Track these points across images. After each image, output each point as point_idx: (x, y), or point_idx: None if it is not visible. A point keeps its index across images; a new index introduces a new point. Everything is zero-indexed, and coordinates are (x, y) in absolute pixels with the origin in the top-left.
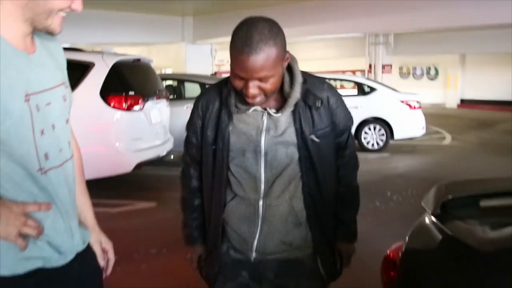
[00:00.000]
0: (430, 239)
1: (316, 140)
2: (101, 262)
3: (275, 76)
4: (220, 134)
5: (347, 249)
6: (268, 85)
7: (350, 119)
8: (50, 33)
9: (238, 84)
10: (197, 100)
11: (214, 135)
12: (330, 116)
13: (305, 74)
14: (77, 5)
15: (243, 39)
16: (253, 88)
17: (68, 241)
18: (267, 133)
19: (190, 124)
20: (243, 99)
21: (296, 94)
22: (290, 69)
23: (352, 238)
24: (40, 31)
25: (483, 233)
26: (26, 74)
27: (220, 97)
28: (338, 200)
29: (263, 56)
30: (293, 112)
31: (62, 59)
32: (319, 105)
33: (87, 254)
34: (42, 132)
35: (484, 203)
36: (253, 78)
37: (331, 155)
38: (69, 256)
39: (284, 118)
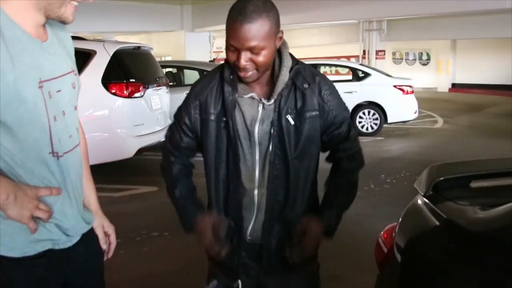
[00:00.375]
0: (423, 220)
1: (291, 121)
2: (103, 245)
3: (267, 49)
4: (228, 111)
5: (317, 235)
6: (260, 58)
7: (345, 109)
8: (62, 21)
9: (232, 56)
10: (194, 85)
11: (220, 112)
12: (320, 104)
13: (297, 60)
14: None
15: (237, 10)
16: (244, 59)
17: (75, 224)
18: (260, 124)
19: (183, 106)
20: (241, 81)
21: (283, 77)
22: (280, 55)
23: (331, 229)
24: (53, 20)
25: (473, 213)
26: (40, 61)
27: (222, 79)
28: (334, 188)
29: (255, 25)
30: (280, 93)
31: (71, 47)
32: (306, 87)
33: (90, 236)
34: (55, 118)
35: (475, 184)
36: (244, 47)
37: (312, 145)
38: (76, 238)
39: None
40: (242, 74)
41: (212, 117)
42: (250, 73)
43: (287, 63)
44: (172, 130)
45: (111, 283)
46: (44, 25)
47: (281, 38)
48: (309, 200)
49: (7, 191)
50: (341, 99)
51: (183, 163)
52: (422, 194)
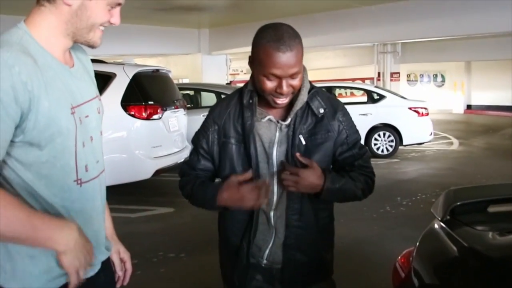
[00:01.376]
0: (440, 245)
1: (303, 141)
2: (119, 272)
3: (301, 72)
4: (246, 136)
5: (316, 177)
6: (297, 82)
7: (357, 131)
8: (90, 46)
9: (271, 85)
10: (212, 109)
11: (239, 136)
12: (333, 125)
13: (313, 85)
14: (116, 19)
15: (275, 39)
16: (286, 86)
17: (98, 253)
18: (278, 146)
19: (200, 131)
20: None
21: (303, 97)
22: None
23: (330, 186)
24: (81, 44)
25: (491, 239)
26: (70, 87)
27: (241, 104)
28: (349, 174)
29: (295, 51)
30: (296, 113)
31: (92, 72)
32: (321, 112)
33: (109, 263)
34: (83, 144)
35: (492, 208)
36: (288, 74)
37: (323, 166)
38: (97, 267)
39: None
40: (281, 100)
41: (232, 141)
42: (288, 98)
43: (307, 84)
44: (191, 154)
45: None
46: (69, 50)
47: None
48: (325, 220)
49: (74, 237)
50: (353, 121)
51: (198, 176)
52: (439, 218)
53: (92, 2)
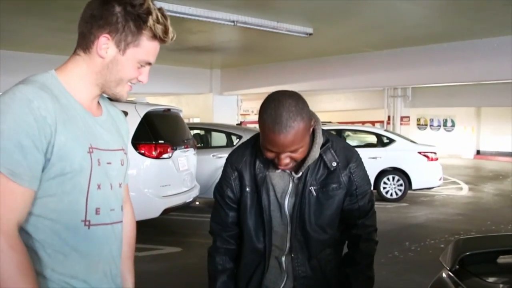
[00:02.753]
0: None
1: (314, 193)
2: None
3: (304, 146)
4: (258, 187)
5: None
6: (298, 155)
7: (368, 183)
8: (117, 99)
9: (270, 155)
10: (229, 157)
11: (254, 185)
12: (344, 176)
13: (330, 136)
14: (144, 78)
15: (272, 117)
16: (285, 160)
17: None
18: (291, 197)
19: (222, 181)
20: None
21: (314, 154)
22: (313, 131)
23: None
24: (108, 96)
25: None
26: (92, 130)
27: (255, 153)
28: (352, 278)
29: (292, 132)
30: (308, 166)
31: (125, 127)
32: (334, 165)
33: None
34: (99, 187)
35: (503, 259)
36: (285, 152)
37: (334, 216)
38: None
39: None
40: (282, 168)
41: (248, 189)
42: (289, 166)
43: (319, 140)
44: (217, 209)
45: None
46: (98, 102)
47: (312, 125)
48: (333, 269)
49: None
50: (366, 172)
51: (229, 252)
52: (448, 268)
53: (123, 58)
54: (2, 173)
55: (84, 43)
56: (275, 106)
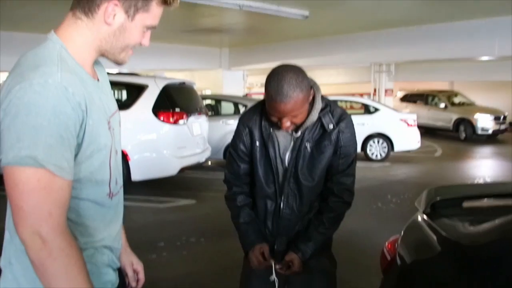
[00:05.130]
0: (421, 233)
1: (309, 149)
2: (133, 283)
3: (303, 112)
4: (265, 142)
5: (297, 267)
6: (298, 119)
7: (354, 148)
8: (118, 64)
9: (274, 119)
10: (242, 116)
11: (261, 140)
12: (335, 135)
13: (330, 102)
14: (146, 41)
15: (275, 89)
16: (286, 123)
17: (117, 260)
18: (290, 153)
19: (235, 137)
20: None
21: (312, 118)
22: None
23: (305, 257)
24: (109, 60)
25: (464, 229)
26: (102, 101)
27: (260, 115)
28: (316, 223)
29: (292, 101)
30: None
31: (109, 86)
32: (330, 128)
33: (120, 271)
34: (113, 158)
35: (467, 204)
36: (286, 116)
37: (321, 172)
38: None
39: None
40: (284, 130)
41: (257, 143)
42: (290, 128)
43: (318, 105)
44: (230, 161)
45: (155, 280)
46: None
47: (312, 93)
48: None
49: None
50: (354, 137)
51: (244, 193)
52: (422, 211)
53: (132, 24)
54: (50, 170)
55: (87, 6)
56: (278, 78)
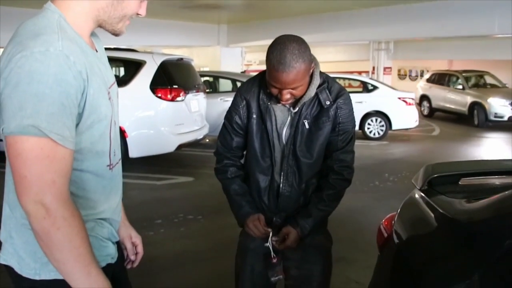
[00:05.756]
0: (418, 210)
1: (306, 125)
2: (132, 256)
3: (304, 84)
4: (263, 115)
5: (294, 240)
6: (298, 92)
7: (352, 124)
8: (115, 34)
9: (274, 91)
10: (239, 88)
11: (259, 114)
12: (333, 112)
13: (328, 78)
14: (143, 11)
15: (277, 58)
16: (286, 95)
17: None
18: (288, 128)
19: (231, 108)
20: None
21: (310, 93)
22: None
23: (304, 234)
24: (106, 31)
25: (460, 205)
26: (101, 70)
27: (259, 87)
28: (316, 199)
29: (294, 72)
30: (303, 102)
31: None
32: (327, 104)
33: (119, 244)
34: (112, 129)
35: (463, 181)
36: (286, 88)
37: (320, 148)
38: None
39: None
40: (284, 102)
41: (254, 116)
42: (290, 101)
43: (316, 81)
44: (223, 133)
45: (153, 257)
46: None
47: (312, 67)
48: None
49: None
50: (352, 114)
51: (236, 165)
52: (418, 188)
53: None
54: (52, 139)
55: None
56: (281, 48)
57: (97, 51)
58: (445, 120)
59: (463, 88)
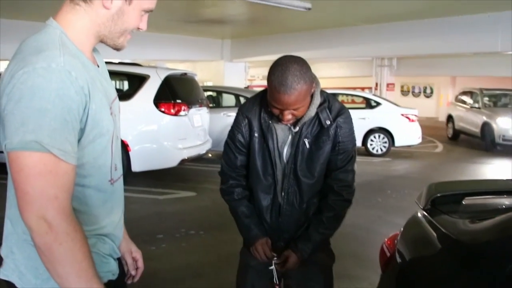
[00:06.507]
0: (421, 230)
1: (307, 145)
2: (132, 271)
3: (305, 105)
4: (264, 134)
5: (294, 263)
6: (299, 112)
7: (352, 144)
8: (117, 49)
9: (275, 111)
10: (241, 106)
11: (260, 132)
12: (333, 130)
13: (329, 97)
14: (144, 25)
15: (279, 79)
16: (287, 115)
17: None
18: (288, 147)
19: (234, 127)
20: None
21: (310, 113)
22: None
23: (304, 257)
24: (108, 46)
25: (463, 226)
26: (103, 86)
27: (260, 105)
28: (315, 222)
29: (296, 93)
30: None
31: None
32: (328, 123)
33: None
34: (114, 143)
35: (467, 201)
36: (288, 109)
37: (320, 168)
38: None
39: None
40: (284, 122)
41: (256, 134)
42: (291, 121)
43: (316, 101)
44: (227, 152)
45: (154, 271)
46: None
47: (314, 87)
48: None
49: None
50: (352, 133)
51: (241, 185)
52: (421, 207)
53: (130, 8)
54: (55, 155)
55: None
56: (282, 69)
57: (98, 66)
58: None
59: (479, 107)
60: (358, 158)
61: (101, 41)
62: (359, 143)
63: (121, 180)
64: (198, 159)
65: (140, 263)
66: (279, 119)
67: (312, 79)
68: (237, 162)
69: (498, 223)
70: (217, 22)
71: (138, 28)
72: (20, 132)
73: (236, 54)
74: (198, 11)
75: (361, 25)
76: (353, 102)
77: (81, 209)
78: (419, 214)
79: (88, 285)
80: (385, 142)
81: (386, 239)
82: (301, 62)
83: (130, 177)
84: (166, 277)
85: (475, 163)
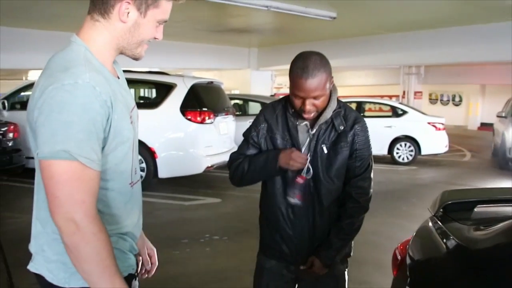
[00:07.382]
0: (431, 236)
1: (325, 150)
2: (147, 266)
3: (325, 95)
4: (292, 134)
5: (319, 270)
6: (320, 102)
7: (369, 151)
8: (135, 59)
9: (297, 102)
10: (263, 109)
11: (284, 132)
12: (350, 138)
13: (346, 106)
14: (160, 35)
15: (301, 67)
16: (309, 105)
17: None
18: (305, 149)
19: (252, 126)
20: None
21: (326, 115)
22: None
23: (328, 264)
24: (127, 56)
25: (471, 233)
26: (124, 96)
27: (285, 110)
28: (336, 229)
29: (316, 79)
30: (320, 126)
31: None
32: (341, 129)
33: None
34: (134, 149)
35: (479, 208)
36: (309, 97)
37: (341, 171)
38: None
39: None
40: (306, 116)
41: (278, 136)
42: (312, 114)
43: (333, 104)
44: (240, 146)
45: (177, 275)
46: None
47: (332, 81)
48: (336, 210)
49: None
50: (368, 140)
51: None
52: (433, 214)
53: (145, 20)
54: (82, 163)
55: (103, 8)
56: (304, 59)
57: (118, 77)
58: (475, 145)
59: (505, 116)
60: (384, 167)
61: (121, 53)
62: (385, 151)
63: (140, 183)
64: (224, 166)
65: (154, 259)
66: (300, 114)
67: (331, 72)
68: (247, 151)
69: (504, 230)
70: (243, 31)
71: (155, 38)
72: (51, 142)
73: (262, 63)
74: (224, 21)
75: (387, 34)
76: (380, 110)
77: (105, 211)
78: (430, 220)
79: (111, 280)
80: (411, 151)
81: (398, 244)
82: (321, 55)
83: (157, 183)
84: (189, 281)
85: (503, 174)
